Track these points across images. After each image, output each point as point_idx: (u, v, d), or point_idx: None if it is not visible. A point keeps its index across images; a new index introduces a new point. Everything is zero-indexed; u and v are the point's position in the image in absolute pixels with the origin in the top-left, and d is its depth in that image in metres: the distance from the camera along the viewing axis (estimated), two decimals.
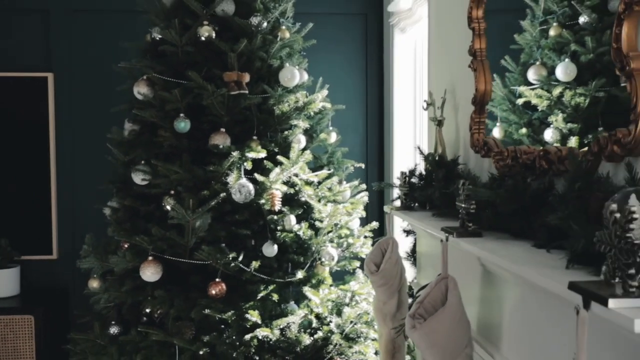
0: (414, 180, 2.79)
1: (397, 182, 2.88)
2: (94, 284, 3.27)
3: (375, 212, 4.29)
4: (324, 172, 3.30)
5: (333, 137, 3.52)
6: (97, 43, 4.24)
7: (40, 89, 4.16)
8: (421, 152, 2.71)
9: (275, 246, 3.07)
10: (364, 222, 3.61)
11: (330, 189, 3.26)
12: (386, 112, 4.33)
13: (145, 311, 3.10)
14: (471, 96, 2.44)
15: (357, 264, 3.34)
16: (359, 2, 4.37)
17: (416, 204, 2.75)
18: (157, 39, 3.23)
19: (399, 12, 3.80)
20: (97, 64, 4.22)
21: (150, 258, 2.95)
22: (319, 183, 3.28)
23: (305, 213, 3.23)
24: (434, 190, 2.48)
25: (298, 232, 3.12)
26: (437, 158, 2.69)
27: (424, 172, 2.77)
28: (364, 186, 3.55)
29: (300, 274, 3.12)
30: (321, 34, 3.98)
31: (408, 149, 4.04)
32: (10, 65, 4.18)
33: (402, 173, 2.81)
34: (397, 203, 2.87)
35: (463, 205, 1.95)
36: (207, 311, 2.87)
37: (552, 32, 2.27)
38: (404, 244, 3.26)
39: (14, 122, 4.23)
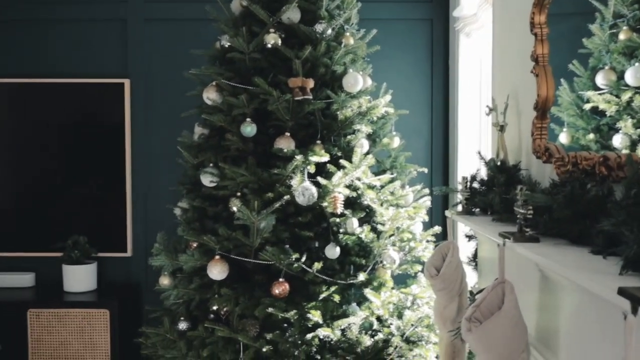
0: (475, 185, 2.81)
1: (459, 187, 2.89)
2: (165, 281, 3.42)
3: (439, 216, 4.30)
4: (387, 176, 3.34)
5: (396, 142, 3.56)
6: (170, 50, 4.42)
7: (118, 94, 4.37)
8: (482, 157, 2.72)
9: (338, 248, 3.13)
10: (427, 226, 3.63)
11: (392, 193, 3.30)
12: (451, 117, 4.33)
13: (212, 308, 3.22)
14: (534, 101, 2.43)
15: (419, 267, 3.36)
16: (425, 8, 4.40)
17: (477, 209, 2.76)
18: (226, 46, 3.35)
19: (464, 18, 3.81)
20: (170, 70, 4.40)
21: (217, 257, 3.06)
22: (382, 187, 3.32)
23: (368, 216, 3.28)
24: (494, 195, 2.49)
25: (360, 235, 3.17)
26: (498, 163, 2.69)
27: (485, 178, 2.78)
28: (426, 190, 3.57)
29: (362, 276, 3.17)
30: (386, 40, 4.03)
31: (472, 154, 4.03)
32: (89, 72, 4.41)
33: (464, 178, 2.83)
34: (459, 208, 2.89)
35: (521, 211, 1.96)
36: (270, 310, 2.96)
37: (622, 36, 2.24)
38: (466, 249, 3.27)
39: (93, 126, 4.46)
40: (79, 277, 4.24)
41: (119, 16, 4.42)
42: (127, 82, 4.38)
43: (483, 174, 2.82)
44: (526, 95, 2.69)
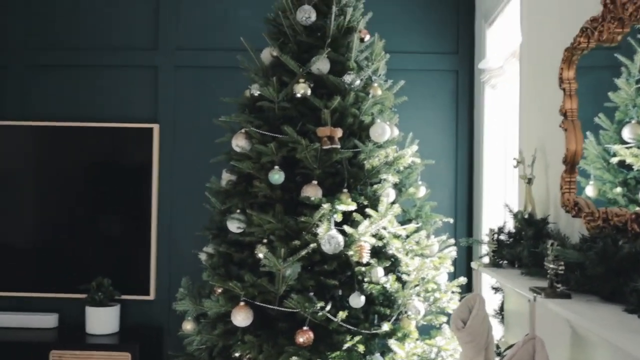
0: (502, 237, 2.80)
1: (485, 238, 2.89)
2: (188, 326, 3.42)
3: (463, 267, 4.27)
4: (412, 226, 3.34)
5: (422, 192, 3.57)
6: (198, 97, 4.52)
7: (146, 138, 4.45)
8: (510, 210, 2.73)
9: (363, 297, 3.12)
10: (452, 277, 3.61)
11: (418, 243, 3.30)
12: (476, 168, 4.34)
13: (235, 355, 3.21)
14: (562, 155, 2.44)
15: (444, 319, 3.33)
16: (451, 59, 4.46)
17: (504, 262, 2.75)
18: (256, 95, 3.41)
19: (490, 70, 3.85)
20: (198, 116, 4.48)
21: (241, 304, 3.06)
22: (407, 237, 3.33)
23: (393, 266, 3.27)
24: (522, 248, 2.48)
25: (385, 285, 3.16)
26: (526, 216, 2.69)
27: (512, 230, 2.78)
28: (452, 241, 3.57)
29: (386, 326, 3.15)
30: (412, 90, 4.09)
31: (498, 205, 4.03)
32: (120, 116, 4.51)
33: (491, 230, 2.83)
34: (486, 260, 2.88)
35: (551, 266, 1.95)
36: (294, 359, 2.94)
37: None
38: (492, 301, 3.24)
39: (120, 169, 4.53)
40: (102, 320, 4.25)
41: (151, 63, 4.53)
42: (156, 127, 4.46)
43: (510, 226, 2.82)
44: (554, 149, 2.70)
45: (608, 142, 2.40)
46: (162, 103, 4.52)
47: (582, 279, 1.88)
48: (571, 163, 2.45)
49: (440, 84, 4.46)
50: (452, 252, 3.51)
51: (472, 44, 4.42)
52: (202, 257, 3.55)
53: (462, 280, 3.45)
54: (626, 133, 2.32)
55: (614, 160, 2.32)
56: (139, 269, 4.46)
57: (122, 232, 4.54)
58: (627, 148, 2.32)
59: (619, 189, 2.36)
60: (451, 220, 3.76)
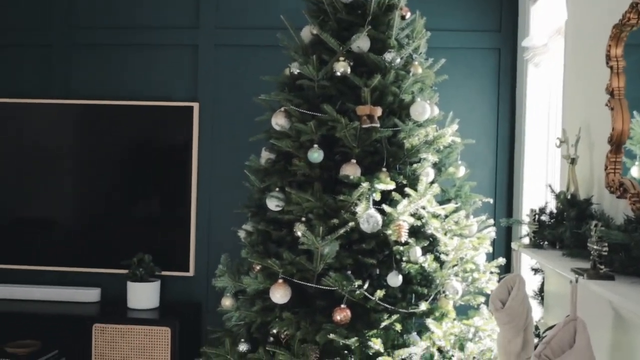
0: (543, 218, 2.76)
1: (526, 219, 2.85)
2: (227, 302, 3.46)
3: (502, 248, 4.23)
4: (451, 206, 3.32)
5: (461, 171, 3.54)
6: (238, 75, 4.53)
7: (187, 117, 4.49)
8: (552, 190, 2.68)
9: (400, 276, 3.11)
10: (490, 257, 3.58)
11: (457, 223, 3.27)
12: (517, 148, 4.27)
13: (273, 332, 3.24)
14: (607, 135, 2.39)
15: (482, 299, 3.31)
16: (493, 37, 4.38)
17: (545, 242, 2.71)
18: (296, 73, 3.40)
19: (534, 48, 3.77)
20: (237, 95, 4.50)
21: (280, 281, 3.09)
22: (446, 216, 3.30)
23: (431, 245, 3.25)
24: (564, 229, 2.45)
25: (423, 264, 3.15)
26: (569, 197, 2.65)
27: (554, 211, 2.73)
28: (491, 221, 3.53)
29: (423, 306, 3.14)
30: (453, 68, 4.04)
31: (538, 185, 3.97)
32: (160, 95, 4.55)
33: (532, 210, 2.79)
34: (526, 240, 2.84)
35: (595, 247, 1.92)
36: (331, 336, 2.96)
37: None
38: (532, 282, 3.20)
39: (161, 147, 4.59)
40: (143, 295, 4.33)
41: (191, 42, 4.55)
42: (196, 106, 4.50)
43: (552, 206, 2.77)
44: (599, 128, 2.64)
45: None
46: (202, 82, 4.55)
47: (626, 260, 1.85)
48: (617, 143, 2.39)
49: (482, 63, 4.39)
50: (491, 232, 3.47)
51: (515, 22, 4.33)
52: (241, 234, 3.58)
53: (501, 260, 3.42)
54: None
55: None
56: (179, 245, 4.52)
57: (163, 210, 4.62)
58: None
59: None
60: (491, 201, 3.72)
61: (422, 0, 3.83)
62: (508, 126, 4.36)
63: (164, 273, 4.45)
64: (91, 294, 4.48)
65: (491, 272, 3.36)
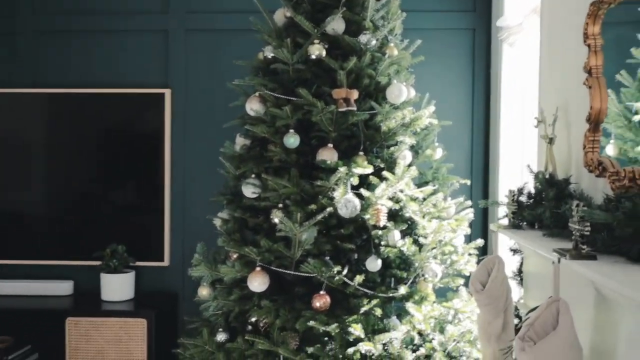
0: (522, 198, 2.75)
1: (504, 200, 2.84)
2: (204, 291, 3.40)
3: (479, 229, 4.23)
4: (429, 188, 3.29)
5: (438, 154, 3.51)
6: (210, 61, 4.45)
7: (158, 104, 4.40)
8: (531, 171, 2.67)
9: (379, 261, 3.09)
10: (468, 239, 3.57)
11: (435, 205, 3.25)
12: (492, 128, 4.26)
13: (251, 320, 3.20)
14: (585, 114, 2.37)
15: (461, 281, 3.30)
16: (467, 17, 4.35)
17: (524, 223, 2.69)
18: (269, 57, 3.34)
19: (508, 27, 3.75)
20: (210, 80, 4.42)
21: (258, 269, 3.04)
22: (424, 199, 3.28)
23: (409, 229, 3.23)
24: (544, 209, 2.43)
25: (402, 248, 3.12)
26: (547, 177, 2.63)
27: (532, 191, 2.72)
28: (469, 203, 3.51)
29: (403, 290, 3.12)
30: (428, 50, 3.99)
31: (514, 166, 3.97)
32: (131, 82, 4.45)
33: (510, 191, 2.77)
34: (504, 221, 2.83)
35: (577, 227, 1.90)
36: (311, 323, 2.92)
37: None
38: (510, 263, 3.19)
39: (133, 135, 4.49)
40: (117, 286, 4.25)
41: (161, 27, 4.45)
42: (167, 92, 4.40)
43: (530, 187, 2.76)
44: (576, 107, 2.63)
45: (630, 99, 2.34)
46: (173, 68, 4.45)
47: (609, 240, 1.83)
48: (595, 122, 2.38)
49: (456, 43, 4.36)
50: (469, 214, 3.46)
51: (489, 1, 4.30)
52: (217, 222, 3.52)
53: (480, 242, 3.41)
54: None
55: (636, 118, 2.26)
56: (153, 235, 4.45)
57: (136, 199, 4.53)
58: None
59: None
60: (468, 182, 3.70)
61: None
62: (483, 107, 4.34)
63: (138, 264, 4.38)
64: (64, 287, 4.39)
65: (470, 254, 3.35)
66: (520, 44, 3.78)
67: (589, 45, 2.40)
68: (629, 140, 2.37)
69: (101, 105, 4.44)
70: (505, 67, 3.98)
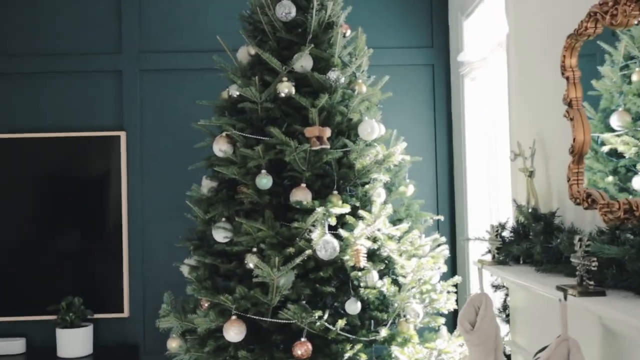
0: (505, 233, 2.70)
1: (486, 235, 2.79)
2: (173, 344, 3.21)
3: (449, 266, 4.18)
4: (405, 226, 3.22)
5: (410, 190, 3.46)
6: (166, 101, 4.30)
7: (113, 147, 4.21)
8: (518, 205, 2.63)
9: (359, 303, 2.98)
10: (444, 276, 3.50)
11: (412, 243, 3.18)
12: (456, 162, 4.25)
13: None
14: (563, 146, 2.37)
15: (442, 320, 3.22)
16: (426, 53, 4.36)
17: (507, 259, 2.64)
18: (235, 95, 3.24)
19: (470, 62, 3.77)
20: (167, 122, 4.27)
21: (233, 317, 2.89)
22: (399, 237, 3.20)
23: (387, 268, 3.14)
24: (534, 244, 2.39)
25: (382, 288, 3.03)
26: (529, 210, 2.60)
27: (514, 225, 2.68)
28: (443, 239, 3.46)
29: (384, 332, 3.02)
30: (389, 86, 3.96)
31: (482, 199, 3.95)
32: (84, 125, 4.25)
33: (493, 226, 2.72)
34: (487, 257, 2.77)
35: (581, 262, 1.85)
36: None
37: (635, 78, 2.20)
38: (494, 300, 3.14)
39: (87, 181, 4.27)
40: (74, 342, 3.99)
41: (114, 68, 4.29)
42: (123, 135, 4.23)
43: (511, 221, 2.72)
44: (553, 140, 2.62)
45: (594, 131, 2.35)
46: (128, 109, 4.28)
47: (618, 274, 1.78)
48: (579, 153, 2.37)
49: (417, 79, 4.36)
50: (444, 250, 3.40)
51: (446, 37, 4.33)
52: (184, 269, 3.35)
53: (457, 279, 3.35)
54: (614, 121, 2.27)
55: (605, 149, 2.27)
56: (111, 285, 4.21)
57: (92, 247, 4.27)
58: (617, 136, 2.27)
59: (610, 178, 2.30)
60: (442, 218, 3.65)
61: (354, 17, 3.73)
62: (446, 141, 4.34)
63: (96, 316, 4.13)
64: (15, 346, 4.08)
65: (448, 292, 3.28)
66: (482, 78, 3.80)
67: (567, 78, 2.40)
68: (598, 171, 2.37)
69: (52, 151, 4.21)
70: (468, 101, 3.99)
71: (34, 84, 4.28)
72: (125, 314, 4.21)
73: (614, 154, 2.29)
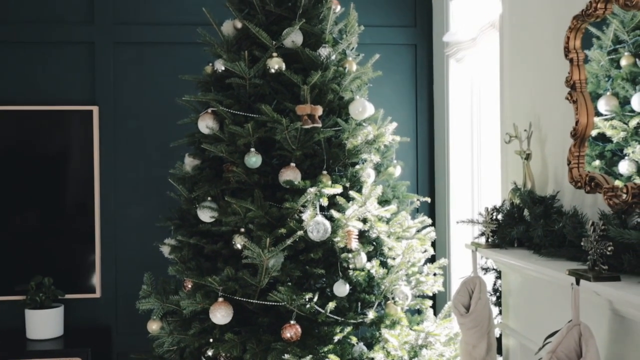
0: (499, 216, 2.68)
1: (479, 218, 2.76)
2: (154, 326, 3.11)
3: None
4: (393, 208, 3.17)
5: (398, 171, 3.41)
6: (140, 75, 4.14)
7: (85, 122, 4.04)
8: (517, 187, 2.60)
9: (347, 285, 2.93)
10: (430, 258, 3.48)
11: (400, 225, 3.13)
12: (437, 144, 4.22)
13: (207, 354, 2.95)
14: (559, 128, 2.34)
15: (429, 303, 3.20)
16: (409, 33, 4.29)
17: (497, 241, 2.62)
18: (220, 70, 3.12)
19: (457, 43, 3.72)
20: (142, 97, 4.11)
21: (220, 299, 2.80)
22: (388, 219, 3.15)
23: (374, 250, 3.10)
24: (534, 228, 2.36)
25: (370, 270, 2.98)
26: (526, 193, 2.58)
27: (508, 208, 2.66)
28: (429, 221, 3.43)
29: (371, 314, 2.97)
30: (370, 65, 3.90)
31: (465, 182, 3.93)
32: (54, 99, 4.07)
33: (487, 209, 2.70)
34: (481, 240, 2.75)
35: (595, 247, 1.83)
36: (286, 356, 2.71)
37: (623, 62, 2.19)
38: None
39: (59, 156, 4.09)
40: (44, 323, 3.84)
41: (86, 39, 4.10)
42: (95, 109, 4.06)
43: (499, 203, 2.71)
44: (550, 123, 2.60)
45: None
46: (100, 83, 4.10)
47: (634, 260, 1.76)
48: (582, 137, 2.34)
49: (398, 59, 4.29)
50: (431, 232, 3.36)
51: (430, 17, 4.27)
52: (165, 249, 3.24)
53: (443, 261, 3.32)
54: (602, 105, 2.26)
55: (593, 132, 2.26)
56: (83, 265, 4.07)
57: (63, 226, 4.11)
58: (605, 120, 2.26)
59: (597, 162, 2.30)
60: (429, 200, 3.62)
61: None
62: (427, 123, 4.30)
63: (67, 296, 3.98)
64: None
65: (435, 274, 3.26)
66: (470, 59, 3.76)
67: (571, 60, 2.36)
68: (585, 154, 2.36)
69: (21, 124, 4.02)
70: (452, 82, 3.95)
71: (1, 53, 4.06)
72: (97, 294, 4.07)
73: (600, 138, 2.29)
